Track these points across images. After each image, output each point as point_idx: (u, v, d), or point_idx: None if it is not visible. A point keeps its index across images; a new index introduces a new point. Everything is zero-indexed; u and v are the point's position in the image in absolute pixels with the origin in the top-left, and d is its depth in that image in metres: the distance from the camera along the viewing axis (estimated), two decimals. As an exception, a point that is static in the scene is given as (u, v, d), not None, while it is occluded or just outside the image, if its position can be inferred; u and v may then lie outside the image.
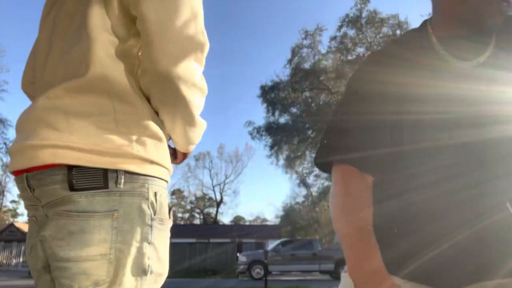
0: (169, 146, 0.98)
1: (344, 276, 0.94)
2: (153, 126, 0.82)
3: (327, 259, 16.00)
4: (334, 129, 1.06)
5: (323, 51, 22.56)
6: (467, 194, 0.88)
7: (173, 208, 0.88)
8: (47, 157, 0.74)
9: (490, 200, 0.87)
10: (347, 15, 21.70)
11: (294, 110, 23.20)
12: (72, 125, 0.75)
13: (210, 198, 46.64)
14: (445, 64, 0.95)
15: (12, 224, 31.51)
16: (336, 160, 1.02)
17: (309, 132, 22.48)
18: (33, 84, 0.96)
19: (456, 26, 0.95)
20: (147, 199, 0.78)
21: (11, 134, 28.00)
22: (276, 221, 39.93)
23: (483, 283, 0.87)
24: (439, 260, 0.88)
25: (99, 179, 0.74)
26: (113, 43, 0.80)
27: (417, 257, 0.89)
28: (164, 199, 0.83)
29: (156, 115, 0.86)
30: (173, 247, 23.16)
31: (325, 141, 1.06)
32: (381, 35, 21.36)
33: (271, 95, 23.06)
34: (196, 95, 0.85)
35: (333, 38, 22.36)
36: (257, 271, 15.91)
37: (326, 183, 32.31)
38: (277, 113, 23.10)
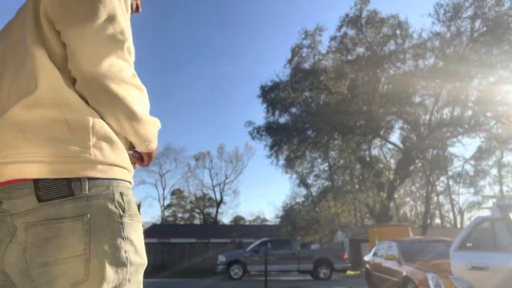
0: (135, 151, 1.04)
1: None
2: (105, 129, 0.86)
3: (306, 259, 16.14)
4: None
5: (323, 51, 22.60)
6: None
7: (141, 201, 0.94)
8: (12, 173, 0.80)
9: None
10: (347, 15, 21.73)
11: (294, 110, 23.24)
12: (30, 141, 0.80)
13: (210, 198, 46.76)
14: None
15: None
16: None
17: (309, 132, 22.48)
18: None
19: None
20: (114, 200, 0.84)
21: None
22: (276, 221, 39.92)
23: None
24: None
25: (64, 188, 0.79)
26: (53, 58, 0.85)
27: None
28: (131, 197, 0.89)
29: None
30: (173, 247, 23.28)
31: None
32: (381, 35, 21.36)
33: (271, 95, 23.06)
34: (129, 91, 0.87)
35: (333, 38, 22.41)
36: (236, 271, 16.00)
37: (326, 183, 32.33)
38: (277, 113, 23.12)
